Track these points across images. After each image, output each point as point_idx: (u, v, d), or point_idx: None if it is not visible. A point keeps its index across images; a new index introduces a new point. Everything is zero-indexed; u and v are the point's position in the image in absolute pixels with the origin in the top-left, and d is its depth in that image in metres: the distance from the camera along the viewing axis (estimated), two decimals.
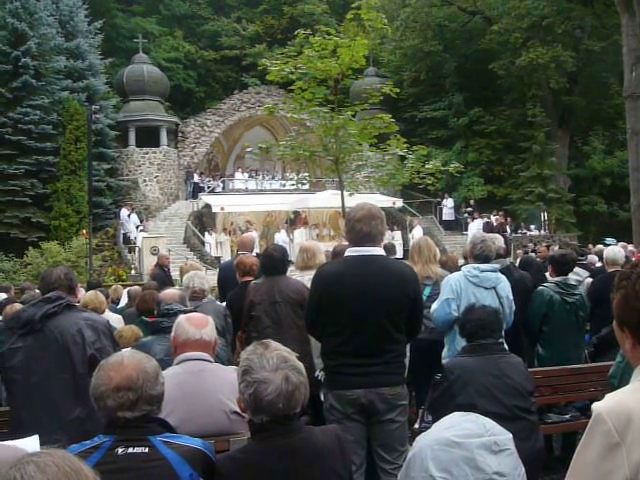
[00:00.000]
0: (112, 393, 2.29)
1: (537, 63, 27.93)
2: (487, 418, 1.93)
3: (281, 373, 2.26)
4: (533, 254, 14.65)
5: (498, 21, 30.11)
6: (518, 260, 9.41)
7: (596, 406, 1.66)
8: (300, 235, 24.50)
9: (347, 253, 3.93)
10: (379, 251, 3.87)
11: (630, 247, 12.45)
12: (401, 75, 32.31)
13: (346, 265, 3.88)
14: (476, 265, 5.26)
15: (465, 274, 5.22)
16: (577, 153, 31.38)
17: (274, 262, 5.44)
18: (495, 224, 25.76)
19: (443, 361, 4.90)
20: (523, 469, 1.84)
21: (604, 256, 7.66)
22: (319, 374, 4.26)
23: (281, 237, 24.61)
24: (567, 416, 5.52)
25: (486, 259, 5.33)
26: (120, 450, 2.23)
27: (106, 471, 2.02)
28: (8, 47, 24.16)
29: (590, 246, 18.34)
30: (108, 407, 2.30)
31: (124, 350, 2.62)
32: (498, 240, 6.33)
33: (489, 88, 31.36)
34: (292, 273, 6.17)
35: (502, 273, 5.61)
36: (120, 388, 2.29)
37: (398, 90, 14.52)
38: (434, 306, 5.24)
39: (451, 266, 6.68)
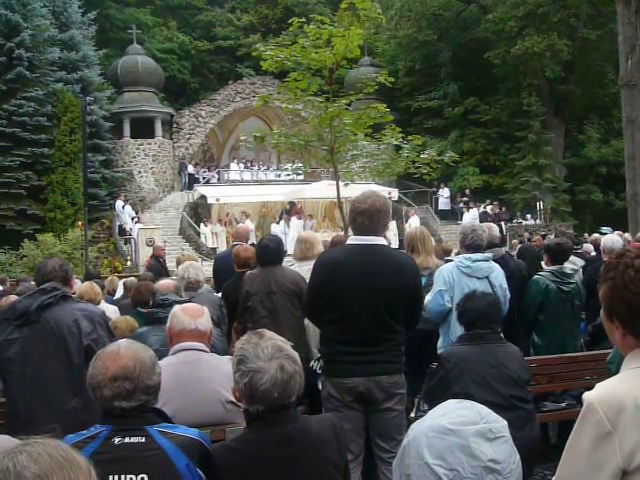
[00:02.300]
0: (109, 383, 2.29)
1: (532, 52, 27.84)
2: (482, 405, 1.94)
3: (276, 362, 2.25)
4: (529, 243, 14.66)
5: (493, 10, 30.01)
6: (517, 249, 9.40)
7: (587, 396, 1.66)
8: (296, 226, 24.47)
9: (349, 241, 3.96)
10: (381, 241, 3.88)
11: (627, 235, 12.44)
12: (396, 65, 32.22)
13: (347, 253, 3.89)
14: (468, 255, 5.22)
15: (457, 265, 5.18)
16: (573, 142, 31.35)
17: (270, 252, 5.43)
18: (491, 214, 25.81)
19: (438, 352, 4.90)
20: (518, 456, 1.85)
21: (601, 244, 7.65)
22: (314, 364, 4.27)
23: (279, 228, 24.59)
24: (563, 404, 5.54)
25: (477, 248, 5.29)
26: (117, 440, 2.23)
27: (103, 461, 2.02)
28: (2, 39, 24.03)
29: (586, 235, 18.40)
30: (104, 397, 2.29)
31: (121, 340, 2.61)
32: (493, 229, 6.32)
33: (484, 77, 31.29)
34: (290, 263, 6.16)
35: (498, 262, 5.60)
36: (117, 378, 2.29)
37: (393, 80, 14.49)
38: (427, 298, 5.22)
39: (440, 255, 6.67)
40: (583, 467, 1.62)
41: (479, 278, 5.15)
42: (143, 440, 2.24)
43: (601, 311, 1.79)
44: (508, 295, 5.35)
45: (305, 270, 5.34)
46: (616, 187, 28.34)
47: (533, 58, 28.50)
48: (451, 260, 5.67)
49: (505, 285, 5.31)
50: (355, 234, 3.90)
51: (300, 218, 25.84)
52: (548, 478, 5.22)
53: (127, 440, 2.23)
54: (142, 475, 2.17)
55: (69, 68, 26.28)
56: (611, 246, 7.22)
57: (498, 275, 5.29)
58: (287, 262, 6.20)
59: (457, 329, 4.73)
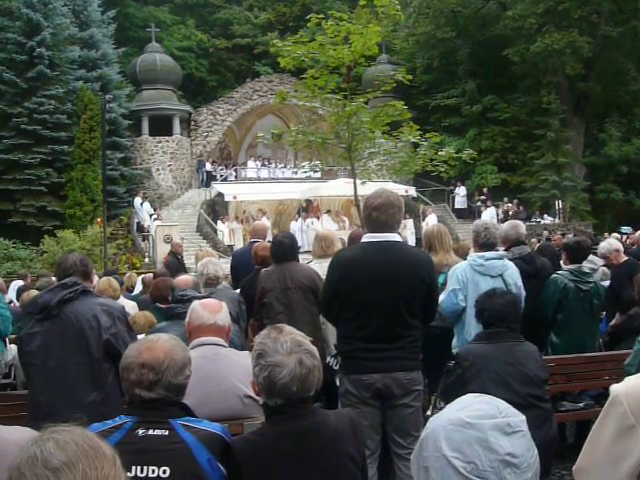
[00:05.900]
0: (136, 367, 2.34)
1: (552, 49, 27.54)
2: (501, 400, 1.94)
3: (295, 357, 2.27)
4: (548, 242, 14.57)
5: (512, 6, 29.76)
6: (535, 248, 9.32)
7: (614, 388, 1.64)
8: (327, 222, 24.66)
9: (364, 239, 3.97)
10: (396, 237, 3.89)
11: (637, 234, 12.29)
12: (414, 62, 32.06)
13: (363, 251, 3.91)
14: (481, 254, 5.17)
15: (470, 263, 5.13)
16: (593, 140, 31.00)
17: (284, 249, 5.46)
18: (510, 213, 25.64)
19: (453, 351, 4.88)
20: (536, 451, 1.85)
21: (598, 249, 7.61)
22: (330, 360, 4.29)
23: (297, 226, 24.65)
24: (581, 404, 5.50)
25: (491, 247, 5.25)
26: (140, 431, 2.26)
27: (126, 451, 2.04)
28: (23, 37, 24.32)
29: (605, 234, 18.25)
30: (129, 380, 2.35)
31: (164, 334, 2.63)
32: (520, 227, 6.20)
33: (503, 75, 31.08)
34: (307, 261, 6.19)
35: (524, 260, 5.57)
36: (144, 365, 2.33)
37: (411, 77, 14.39)
38: (441, 297, 5.18)
39: (462, 254, 6.62)
40: (603, 458, 1.61)
41: (492, 276, 5.09)
42: (166, 433, 2.26)
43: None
44: (523, 293, 5.25)
45: (325, 267, 5.35)
46: (637, 186, 28.10)
47: (553, 55, 28.19)
48: None
49: (520, 283, 5.22)
50: (370, 231, 3.92)
51: (339, 222, 26.04)
52: (565, 478, 5.20)
53: (151, 432, 2.26)
54: (164, 467, 2.20)
55: (89, 66, 26.51)
56: (606, 252, 7.23)
57: (512, 273, 5.22)
58: (305, 260, 6.22)
59: (472, 328, 4.71)
